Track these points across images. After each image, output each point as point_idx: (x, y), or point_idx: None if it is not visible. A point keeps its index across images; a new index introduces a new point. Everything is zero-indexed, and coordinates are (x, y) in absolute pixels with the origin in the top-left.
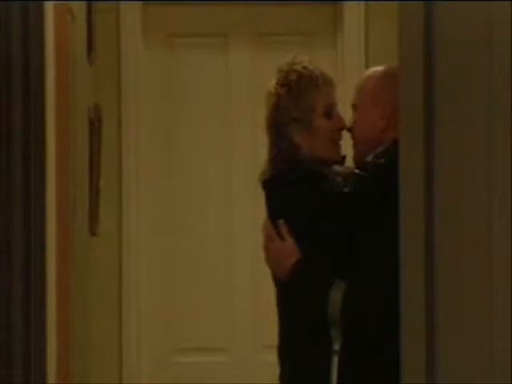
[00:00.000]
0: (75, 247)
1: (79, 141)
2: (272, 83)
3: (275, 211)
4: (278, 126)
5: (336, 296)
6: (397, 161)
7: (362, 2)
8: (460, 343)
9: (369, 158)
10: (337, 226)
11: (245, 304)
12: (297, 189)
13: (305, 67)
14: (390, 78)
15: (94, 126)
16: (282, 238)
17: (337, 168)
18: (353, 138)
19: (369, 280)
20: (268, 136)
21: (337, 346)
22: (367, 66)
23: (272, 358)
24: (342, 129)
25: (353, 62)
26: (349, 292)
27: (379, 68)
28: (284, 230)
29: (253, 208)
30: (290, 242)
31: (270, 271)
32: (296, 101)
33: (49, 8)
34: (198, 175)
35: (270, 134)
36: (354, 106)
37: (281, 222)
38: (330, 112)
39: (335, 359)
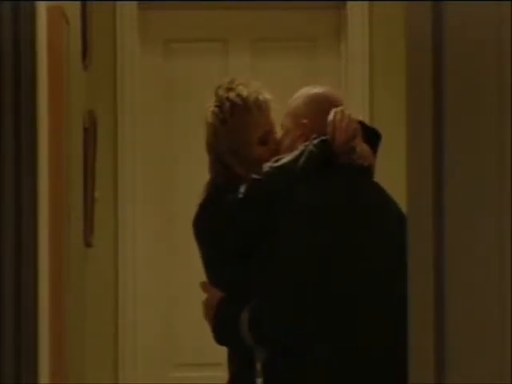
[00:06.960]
0: (70, 259)
1: (73, 149)
2: (210, 107)
3: (200, 237)
4: (217, 154)
5: (244, 316)
6: (295, 162)
7: (367, 4)
8: (470, 345)
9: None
10: (243, 237)
11: None
12: (211, 209)
13: (239, 95)
14: (315, 100)
15: (89, 134)
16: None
17: None
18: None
19: (268, 286)
20: (209, 159)
21: (258, 367)
22: (371, 73)
23: None
24: (278, 150)
25: (356, 69)
26: (254, 306)
27: (310, 88)
28: (206, 286)
29: None
30: (212, 293)
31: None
32: (232, 134)
33: (42, 12)
34: (197, 184)
35: (210, 158)
36: (282, 126)
37: (201, 283)
38: (266, 139)
39: (259, 380)
